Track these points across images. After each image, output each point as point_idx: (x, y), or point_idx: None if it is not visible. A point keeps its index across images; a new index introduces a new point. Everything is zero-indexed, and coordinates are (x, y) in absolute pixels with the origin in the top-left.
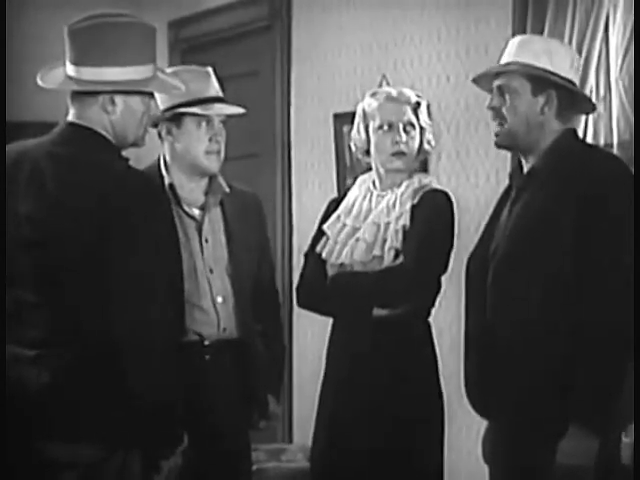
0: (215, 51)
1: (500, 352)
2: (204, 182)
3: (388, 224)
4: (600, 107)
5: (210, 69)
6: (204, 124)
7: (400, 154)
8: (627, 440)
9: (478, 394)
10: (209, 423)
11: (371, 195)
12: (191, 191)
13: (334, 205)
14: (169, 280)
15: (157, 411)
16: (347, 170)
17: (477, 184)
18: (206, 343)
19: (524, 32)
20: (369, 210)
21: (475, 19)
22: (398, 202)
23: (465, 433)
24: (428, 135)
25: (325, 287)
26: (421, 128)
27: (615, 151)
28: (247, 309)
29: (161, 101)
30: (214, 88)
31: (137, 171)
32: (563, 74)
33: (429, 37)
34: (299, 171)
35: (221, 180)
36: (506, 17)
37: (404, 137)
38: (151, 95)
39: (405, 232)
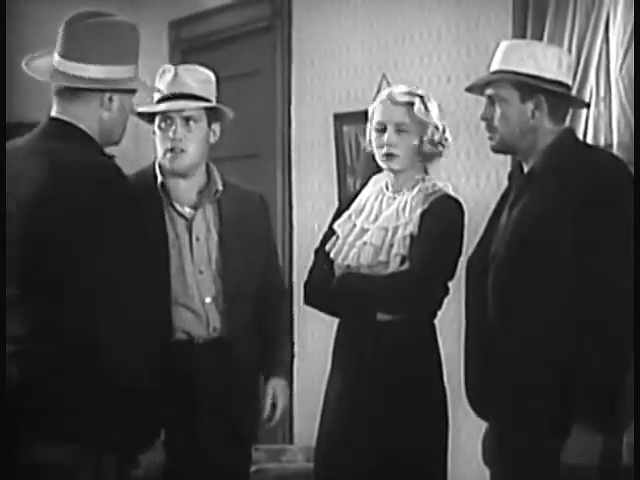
0: (216, 51)
1: (500, 353)
2: (198, 180)
3: (396, 229)
4: (600, 107)
5: (171, 66)
6: (162, 123)
7: (390, 156)
8: (627, 440)
9: (478, 396)
10: (197, 423)
11: (383, 196)
12: (184, 189)
13: (347, 202)
14: (152, 279)
15: (133, 406)
16: (347, 170)
17: (478, 184)
18: (196, 342)
19: (524, 31)
20: (379, 212)
21: (475, 19)
22: (408, 207)
23: (465, 435)
24: (431, 135)
25: (331, 287)
26: (421, 127)
27: (615, 151)
28: (240, 309)
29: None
30: (170, 84)
31: (109, 167)
32: (551, 76)
33: (429, 37)
34: (299, 171)
35: (217, 178)
36: (506, 17)
37: (394, 139)
38: (133, 94)
39: (412, 239)
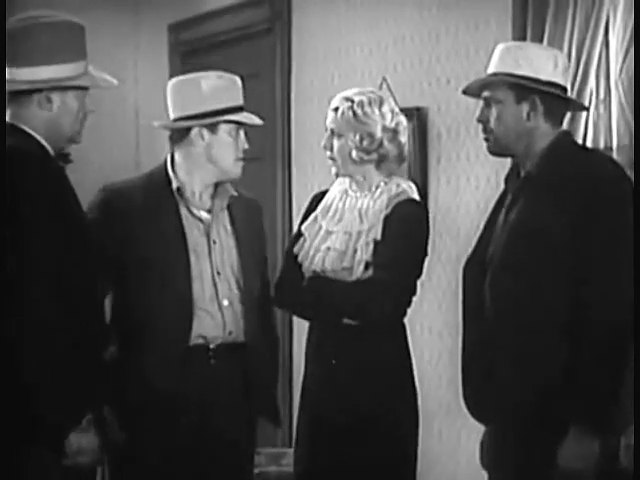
0: (215, 53)
1: (498, 357)
2: (212, 186)
3: (360, 234)
4: (600, 110)
5: (237, 78)
6: (238, 132)
7: (330, 159)
8: (626, 443)
9: (476, 399)
10: (212, 426)
11: (346, 197)
12: (200, 194)
13: (316, 201)
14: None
15: (45, 396)
16: None
17: (477, 187)
18: (211, 347)
19: (524, 33)
20: (342, 213)
21: (475, 20)
22: (371, 211)
23: (465, 436)
24: (359, 141)
25: (300, 289)
26: (352, 132)
27: (615, 154)
28: (254, 312)
29: (194, 105)
30: (241, 96)
31: (28, 153)
32: (545, 78)
33: (429, 39)
34: (299, 173)
35: (228, 184)
36: (506, 19)
37: (329, 143)
38: (85, 91)
39: (376, 245)
